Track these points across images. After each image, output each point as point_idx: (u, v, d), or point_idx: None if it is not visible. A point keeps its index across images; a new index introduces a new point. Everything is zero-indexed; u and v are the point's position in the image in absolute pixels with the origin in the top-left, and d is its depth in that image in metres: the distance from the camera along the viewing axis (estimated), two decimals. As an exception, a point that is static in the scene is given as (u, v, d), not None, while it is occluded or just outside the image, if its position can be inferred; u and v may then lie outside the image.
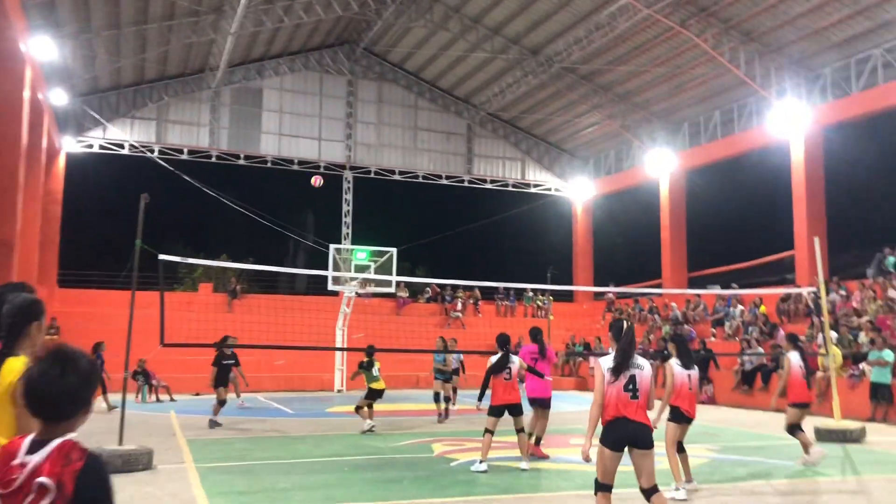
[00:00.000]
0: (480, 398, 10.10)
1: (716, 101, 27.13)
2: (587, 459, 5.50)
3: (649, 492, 5.59)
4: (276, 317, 22.71)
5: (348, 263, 24.69)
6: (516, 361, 9.93)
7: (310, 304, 28.17)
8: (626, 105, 29.56)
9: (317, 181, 21.78)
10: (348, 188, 32.16)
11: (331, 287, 24.95)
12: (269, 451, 11.41)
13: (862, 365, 17.15)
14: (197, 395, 22.45)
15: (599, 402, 5.56)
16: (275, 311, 24.19)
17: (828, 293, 21.18)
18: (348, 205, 32.11)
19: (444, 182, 33.82)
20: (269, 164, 31.22)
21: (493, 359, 9.79)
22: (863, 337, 17.88)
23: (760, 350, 20.24)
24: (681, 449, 8.33)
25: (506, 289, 31.69)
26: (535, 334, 11.15)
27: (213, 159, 30.41)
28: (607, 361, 5.67)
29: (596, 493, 5.56)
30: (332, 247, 24.85)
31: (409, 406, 19.81)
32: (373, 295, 27.47)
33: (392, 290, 26.85)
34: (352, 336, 24.36)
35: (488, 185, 34.55)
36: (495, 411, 9.65)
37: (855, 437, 12.87)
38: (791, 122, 23.40)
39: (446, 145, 33.73)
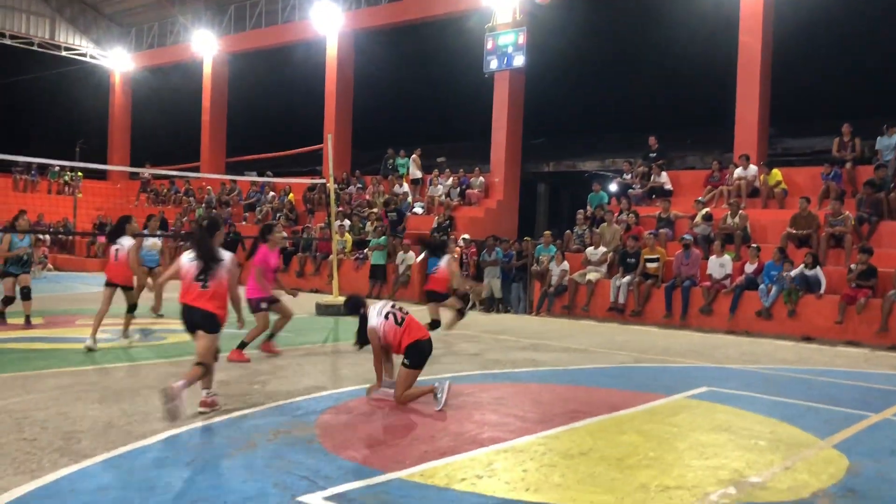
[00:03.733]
0: None
1: (263, -12, 27.34)
2: None
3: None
4: None
5: None
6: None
7: None
8: (171, -24, 28.11)
9: None
10: None
11: None
12: None
13: (366, 250, 19.58)
14: None
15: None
16: None
17: (348, 185, 23.48)
18: None
19: (-51, 29, 28.68)
20: None
21: None
22: (368, 226, 20.31)
23: (283, 234, 21.65)
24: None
25: (26, 161, 28.51)
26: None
27: None
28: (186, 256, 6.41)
29: None
30: None
31: None
32: None
33: None
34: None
35: (7, 41, 30.21)
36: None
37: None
38: (327, 21, 24.79)
39: (-48, -15, 28.49)
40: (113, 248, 9.86)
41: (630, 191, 18.17)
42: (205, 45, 28.85)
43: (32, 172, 29.62)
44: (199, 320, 6.29)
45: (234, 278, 6.52)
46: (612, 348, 11.17)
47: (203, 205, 25.90)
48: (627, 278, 14.90)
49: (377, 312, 6.97)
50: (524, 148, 22.36)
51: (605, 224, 16.38)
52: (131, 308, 10.10)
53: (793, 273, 13.14)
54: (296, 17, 26.60)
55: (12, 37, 30.22)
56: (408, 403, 6.77)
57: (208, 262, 6.29)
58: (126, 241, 9.76)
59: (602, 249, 15.78)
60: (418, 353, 6.79)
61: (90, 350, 9.13)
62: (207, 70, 29.32)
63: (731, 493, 4.68)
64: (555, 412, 6.74)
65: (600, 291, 15.31)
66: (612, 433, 6.06)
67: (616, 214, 16.84)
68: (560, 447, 5.59)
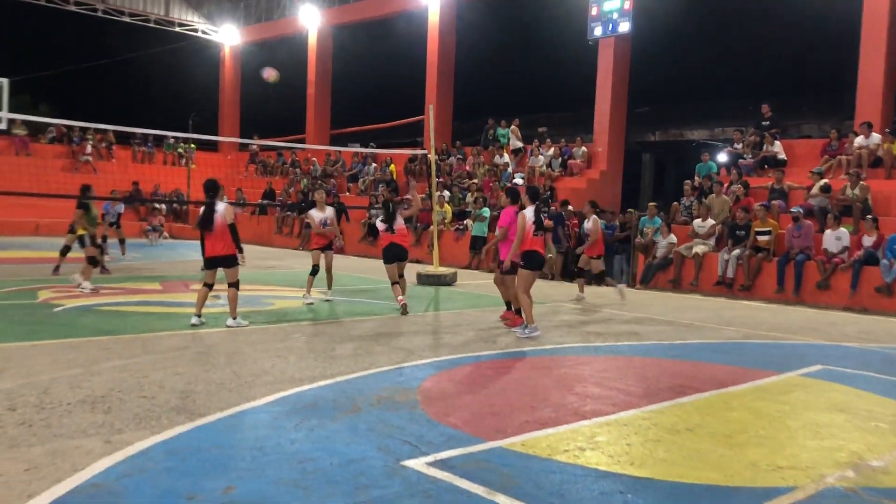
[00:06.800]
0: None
1: (365, -42, 27.50)
2: None
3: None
4: None
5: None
6: (221, 209, 8.78)
7: None
8: (278, -50, 28.64)
9: (269, 75, 20.09)
10: (-52, 2, 27.27)
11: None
12: None
13: (466, 220, 19.60)
14: None
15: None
16: None
17: (448, 157, 23.51)
18: (-51, 22, 27.32)
19: (73, 8, 30.18)
20: None
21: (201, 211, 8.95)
22: (469, 197, 20.30)
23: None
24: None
25: (144, 133, 29.88)
26: (514, 195, 9.85)
27: None
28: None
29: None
30: (-78, 70, 21.15)
31: (25, 254, 18.33)
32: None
33: (3, 126, 23.78)
34: None
35: (126, 19, 31.61)
36: (206, 264, 8.95)
37: (448, 281, 14.87)
38: (429, -9, 24.76)
39: (75, -34, 29.94)
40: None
41: (740, 161, 17.45)
42: (310, 19, 29.36)
43: (149, 144, 31.03)
44: (399, 252, 10.80)
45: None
46: (720, 323, 10.81)
47: (308, 175, 26.51)
48: (737, 251, 14.35)
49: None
50: (629, 117, 21.80)
51: (713, 195, 15.80)
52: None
53: (919, 248, 12.33)
54: (398, -13, 26.67)
55: (131, 14, 31.60)
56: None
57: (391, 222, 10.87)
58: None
59: (710, 221, 15.25)
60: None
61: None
62: (312, 43, 29.86)
63: (850, 476, 4.45)
64: (660, 387, 6.58)
65: (708, 265, 14.81)
66: (719, 409, 5.87)
67: (725, 185, 16.22)
68: (665, 422, 5.45)
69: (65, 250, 14.04)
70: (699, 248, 14.94)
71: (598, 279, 13.52)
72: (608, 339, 9.11)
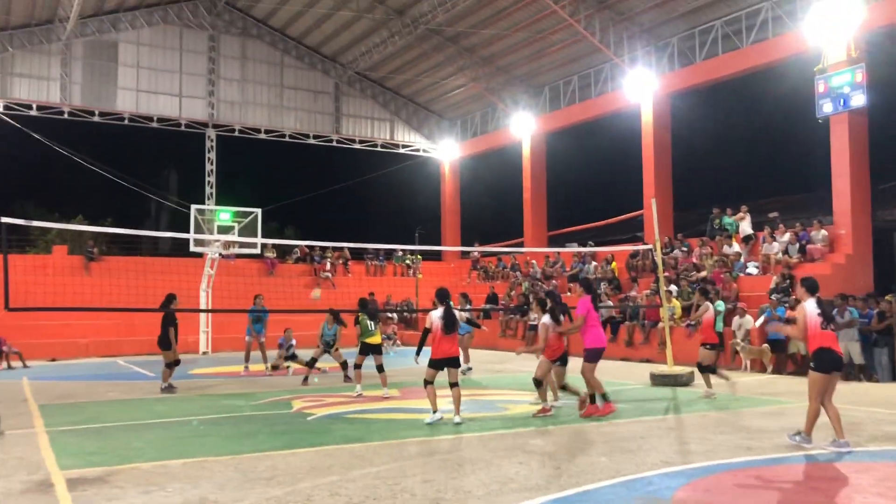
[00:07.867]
0: (418, 353, 10.41)
1: (574, 66, 28.22)
2: None
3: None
4: (136, 279, 22.20)
5: (211, 224, 24.25)
6: (457, 316, 9.92)
7: (172, 266, 27.53)
8: (489, 68, 30.22)
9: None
10: (211, 147, 31.39)
11: (193, 249, 24.46)
12: (125, 413, 11.34)
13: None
14: (53, 360, 21.79)
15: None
16: (135, 274, 23.56)
17: (671, 250, 22.81)
18: (212, 164, 31.36)
19: (312, 141, 33.59)
20: (126, 122, 30.00)
21: (436, 314, 9.71)
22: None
23: (609, 303, 21.55)
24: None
25: (375, 248, 31.99)
26: (589, 285, 10.66)
27: (66, 115, 28.90)
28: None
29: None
30: (193, 207, 24.30)
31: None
32: (237, 256, 27.16)
33: (258, 251, 26.57)
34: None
35: (357, 145, 34.59)
36: (434, 364, 9.73)
37: (684, 381, 14.10)
38: (641, 89, 24.76)
39: (313, 104, 33.44)
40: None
41: None
42: (523, 128, 30.40)
43: (380, 258, 33.10)
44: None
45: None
46: None
47: (529, 278, 26.80)
48: None
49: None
50: (873, 194, 20.03)
51: None
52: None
53: None
54: (609, 88, 26.99)
55: (361, 141, 34.57)
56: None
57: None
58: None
59: None
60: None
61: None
62: (526, 150, 30.79)
63: None
64: (961, 499, 5.67)
65: None
66: None
67: None
68: (979, 543, 4.65)
69: (312, 362, 15.10)
70: (979, 335, 13.08)
71: (705, 370, 12.61)
72: (883, 442, 8.09)
